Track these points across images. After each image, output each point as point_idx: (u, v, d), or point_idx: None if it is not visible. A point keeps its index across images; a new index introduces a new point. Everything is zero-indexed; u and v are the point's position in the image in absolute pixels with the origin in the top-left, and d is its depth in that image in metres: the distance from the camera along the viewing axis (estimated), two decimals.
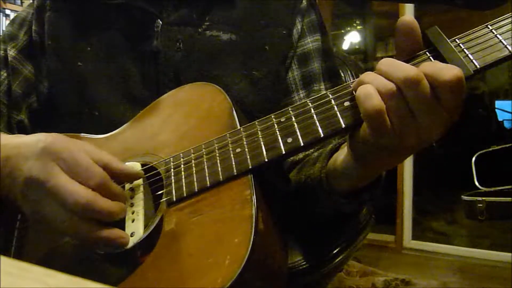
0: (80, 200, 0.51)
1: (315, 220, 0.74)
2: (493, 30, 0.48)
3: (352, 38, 4.30)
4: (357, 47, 4.29)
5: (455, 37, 0.48)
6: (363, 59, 4.24)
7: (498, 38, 0.47)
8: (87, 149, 0.56)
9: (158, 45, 0.75)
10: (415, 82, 0.44)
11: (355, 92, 0.49)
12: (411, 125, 0.46)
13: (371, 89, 0.47)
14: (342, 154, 0.58)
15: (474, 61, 0.47)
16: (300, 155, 0.75)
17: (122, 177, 0.58)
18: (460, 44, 0.48)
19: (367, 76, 0.49)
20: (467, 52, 0.48)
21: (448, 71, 0.44)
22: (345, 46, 4.25)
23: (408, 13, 2.84)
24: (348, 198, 0.59)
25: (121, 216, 0.56)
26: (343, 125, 0.50)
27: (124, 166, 0.58)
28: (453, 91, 0.44)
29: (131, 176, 0.59)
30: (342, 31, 4.32)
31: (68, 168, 0.53)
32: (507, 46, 0.46)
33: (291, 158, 0.75)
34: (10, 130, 0.78)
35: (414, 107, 0.46)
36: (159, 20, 0.76)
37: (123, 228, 0.58)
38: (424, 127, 0.46)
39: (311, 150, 0.74)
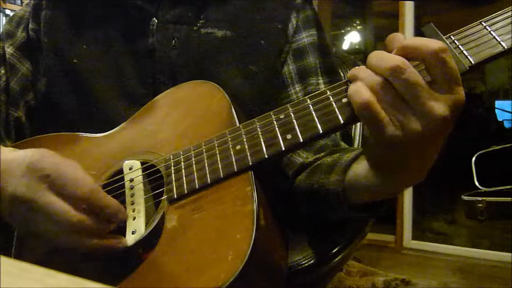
0: (65, 221, 0.51)
1: (318, 221, 0.74)
2: (487, 27, 0.48)
3: (352, 38, 4.29)
4: (357, 47, 4.28)
5: (450, 34, 0.49)
6: (363, 59, 4.23)
7: (492, 35, 0.48)
8: (73, 165, 0.55)
9: (153, 43, 0.76)
10: (401, 71, 0.45)
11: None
12: (408, 113, 0.46)
13: (359, 84, 0.48)
14: (362, 168, 0.56)
15: (469, 57, 0.48)
16: (310, 158, 0.74)
17: (103, 210, 0.56)
18: (455, 41, 0.49)
19: (356, 70, 0.50)
20: (462, 49, 0.48)
21: (432, 42, 0.45)
22: (345, 46, 4.24)
23: (408, 13, 2.84)
24: (363, 210, 0.59)
25: (108, 231, 0.55)
26: (342, 121, 0.51)
27: (108, 200, 0.56)
28: (440, 62, 0.44)
29: (111, 209, 0.56)
30: (342, 31, 4.32)
31: (54, 186, 0.52)
32: (501, 42, 0.47)
33: (301, 160, 0.75)
34: (8, 127, 0.78)
35: (406, 95, 0.46)
36: (154, 18, 0.76)
37: (124, 226, 0.58)
38: (422, 114, 0.45)
39: (322, 154, 0.73)
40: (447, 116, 0.45)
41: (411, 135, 0.46)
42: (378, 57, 0.48)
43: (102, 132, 0.71)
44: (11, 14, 2.60)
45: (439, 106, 0.45)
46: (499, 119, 4.03)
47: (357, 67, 0.50)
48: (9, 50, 0.80)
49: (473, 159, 2.34)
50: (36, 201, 0.51)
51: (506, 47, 0.47)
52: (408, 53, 0.47)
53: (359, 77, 0.49)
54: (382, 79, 0.47)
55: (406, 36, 0.50)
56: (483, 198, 2.20)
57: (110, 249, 0.55)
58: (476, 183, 2.30)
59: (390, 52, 0.48)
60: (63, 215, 0.51)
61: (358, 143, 0.93)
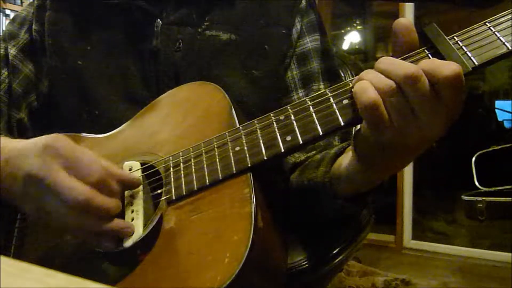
0: (78, 197, 0.51)
1: (316, 220, 0.74)
2: (491, 28, 0.48)
3: (352, 38, 4.29)
4: (357, 47, 4.28)
5: (453, 35, 0.49)
6: (363, 59, 4.24)
7: (496, 36, 0.47)
8: (88, 150, 0.56)
9: (157, 45, 0.75)
10: (415, 80, 0.45)
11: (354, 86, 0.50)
12: (412, 122, 0.46)
13: (367, 83, 0.47)
14: (346, 159, 0.58)
15: (472, 58, 0.47)
16: (302, 157, 0.75)
17: (119, 181, 0.57)
18: (459, 42, 0.48)
19: (367, 74, 0.49)
20: (465, 49, 0.48)
21: (446, 67, 0.44)
22: (345, 46, 4.24)
23: (408, 13, 2.84)
24: (350, 201, 0.59)
25: (117, 211, 0.56)
26: (342, 123, 0.50)
27: (123, 172, 0.58)
28: (452, 87, 0.44)
29: (128, 181, 0.59)
30: (342, 31, 4.32)
31: (68, 165, 0.53)
32: (505, 43, 0.46)
33: (293, 159, 0.76)
34: (10, 129, 0.78)
35: (415, 104, 0.46)
36: (159, 20, 0.76)
37: None
38: (425, 124, 0.46)
39: (313, 152, 0.75)
40: (444, 128, 0.47)
41: (409, 141, 0.47)
42: (391, 62, 0.48)
43: (104, 134, 0.71)
44: (11, 14, 2.60)
45: (441, 119, 0.46)
46: (499, 119, 4.03)
47: (367, 70, 0.50)
48: (12, 51, 0.79)
49: (473, 159, 2.34)
50: (48, 178, 0.52)
51: (510, 48, 0.46)
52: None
53: (368, 79, 0.49)
54: (393, 83, 0.46)
55: None
56: (483, 198, 2.21)
57: (118, 233, 0.55)
58: (476, 183, 2.30)
59: (396, 40, 0.49)
60: (73, 192, 0.52)
61: None
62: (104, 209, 0.53)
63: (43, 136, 0.56)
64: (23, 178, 0.53)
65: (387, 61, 0.48)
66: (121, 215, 0.58)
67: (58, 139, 0.55)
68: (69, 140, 0.56)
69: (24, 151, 0.55)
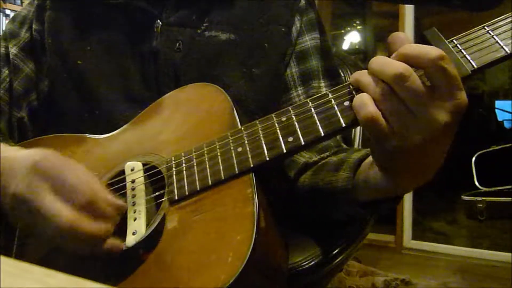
0: (63, 223, 0.51)
1: (322, 221, 0.74)
2: (489, 31, 0.48)
3: (352, 38, 4.29)
4: (357, 47, 4.28)
5: (452, 38, 0.49)
6: (363, 59, 4.24)
7: (495, 39, 0.48)
8: (79, 169, 0.55)
9: (157, 46, 0.76)
10: (404, 78, 0.45)
11: (354, 92, 0.50)
12: (412, 123, 0.46)
13: (365, 97, 0.48)
14: (372, 168, 0.58)
15: (471, 61, 0.48)
16: (315, 158, 0.74)
17: (107, 207, 0.56)
18: (458, 45, 0.49)
19: (359, 75, 0.50)
20: (464, 53, 0.48)
21: (432, 50, 0.45)
22: (345, 46, 4.24)
23: (408, 13, 2.84)
24: (368, 207, 0.60)
25: (105, 236, 0.55)
26: (343, 125, 0.51)
27: (110, 196, 0.56)
28: (442, 70, 0.44)
29: (116, 206, 0.56)
30: (342, 31, 4.31)
31: (55, 187, 0.52)
32: (504, 46, 0.47)
33: (304, 159, 0.75)
34: (11, 128, 0.78)
35: (410, 103, 0.46)
36: (158, 20, 0.76)
37: (125, 227, 0.58)
38: (425, 122, 0.46)
39: (327, 153, 0.74)
40: (449, 122, 0.46)
41: (414, 142, 0.47)
42: (380, 63, 0.48)
43: (105, 134, 0.71)
44: (11, 14, 2.60)
45: (440, 113, 0.45)
46: (499, 119, 4.03)
47: (359, 71, 0.50)
48: (12, 50, 0.80)
49: (473, 159, 2.34)
50: (34, 201, 0.51)
51: (509, 51, 0.46)
52: (409, 61, 0.46)
53: (362, 83, 0.49)
54: (386, 86, 0.47)
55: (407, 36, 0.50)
56: (483, 198, 2.21)
57: (108, 253, 0.55)
58: (476, 183, 2.30)
59: (392, 53, 0.49)
60: (59, 216, 0.51)
61: (358, 145, 0.93)
62: (90, 235, 0.52)
63: (35, 151, 0.55)
64: (10, 196, 0.53)
65: (378, 61, 0.48)
66: (124, 215, 0.58)
67: (46, 158, 0.54)
68: (58, 158, 0.55)
69: (14, 166, 0.54)
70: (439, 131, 0.46)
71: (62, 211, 0.51)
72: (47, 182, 0.52)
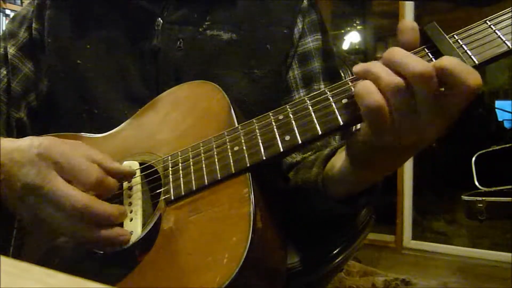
0: (77, 204, 0.51)
1: (313, 221, 0.74)
2: (491, 26, 0.47)
3: (352, 38, 4.29)
4: (357, 47, 4.28)
5: (453, 33, 0.48)
6: (363, 59, 4.24)
7: (497, 34, 0.46)
8: (81, 149, 0.56)
9: (158, 44, 0.75)
10: (429, 78, 0.43)
11: (356, 86, 0.48)
12: (413, 123, 0.45)
13: (370, 85, 0.46)
14: (339, 160, 0.57)
15: (472, 56, 0.47)
16: (298, 158, 0.75)
17: (115, 175, 0.58)
18: (459, 40, 0.48)
19: (371, 65, 0.47)
20: (465, 48, 0.47)
21: (471, 76, 0.43)
22: (345, 46, 4.24)
23: (408, 12, 2.84)
24: (344, 203, 0.59)
25: (121, 218, 0.56)
26: (341, 123, 0.50)
27: (116, 164, 0.58)
28: (471, 91, 0.43)
29: (124, 173, 0.59)
30: (342, 31, 4.32)
31: (64, 172, 0.53)
32: (506, 41, 0.46)
33: (290, 160, 0.75)
34: (10, 128, 0.78)
35: (422, 104, 0.44)
36: (159, 18, 0.76)
37: (121, 227, 0.58)
38: (426, 125, 0.45)
39: (308, 153, 0.74)
40: (443, 130, 0.46)
41: (408, 141, 0.47)
42: (406, 54, 0.45)
43: (104, 133, 0.71)
44: (11, 14, 2.60)
45: (444, 118, 0.45)
46: (499, 119, 4.03)
47: (371, 62, 0.48)
48: (11, 50, 0.79)
49: (473, 159, 2.33)
50: (44, 187, 0.52)
51: (511, 46, 0.45)
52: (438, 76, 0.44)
53: (373, 73, 0.46)
54: (402, 82, 0.44)
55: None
56: (483, 198, 2.20)
57: (113, 240, 0.55)
58: (476, 183, 2.29)
59: (401, 41, 0.47)
60: (70, 199, 0.52)
61: None
62: (103, 215, 0.53)
63: (36, 139, 0.56)
64: (20, 187, 0.53)
65: (401, 53, 0.45)
66: None
67: (51, 144, 0.55)
68: (62, 143, 0.56)
69: (17, 158, 0.54)
70: (434, 135, 0.46)
71: (75, 193, 0.52)
72: (55, 167, 0.53)
